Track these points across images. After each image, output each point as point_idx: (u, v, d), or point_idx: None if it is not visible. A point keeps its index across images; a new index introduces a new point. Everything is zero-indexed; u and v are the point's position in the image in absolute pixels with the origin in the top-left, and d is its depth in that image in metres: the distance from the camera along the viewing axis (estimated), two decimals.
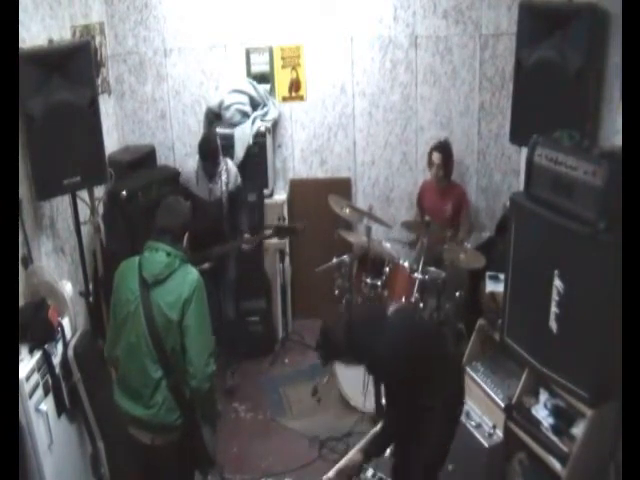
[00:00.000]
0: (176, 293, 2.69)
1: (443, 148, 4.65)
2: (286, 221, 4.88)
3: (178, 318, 2.67)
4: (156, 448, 2.78)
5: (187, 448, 2.87)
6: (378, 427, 3.07)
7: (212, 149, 4.25)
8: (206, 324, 2.78)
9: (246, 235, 4.35)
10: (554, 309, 2.86)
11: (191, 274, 2.77)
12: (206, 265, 4.12)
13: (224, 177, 4.34)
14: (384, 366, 2.72)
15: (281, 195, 5.12)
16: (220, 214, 4.37)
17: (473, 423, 3.42)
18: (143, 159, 4.75)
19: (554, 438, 3.05)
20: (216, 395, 2.93)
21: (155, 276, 2.70)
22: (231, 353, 4.58)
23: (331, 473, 2.93)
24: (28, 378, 2.79)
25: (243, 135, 4.75)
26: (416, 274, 4.09)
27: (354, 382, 4.20)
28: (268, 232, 4.48)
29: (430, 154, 4.67)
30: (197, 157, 4.32)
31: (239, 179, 4.48)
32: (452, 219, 4.67)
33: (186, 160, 4.81)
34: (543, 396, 3.23)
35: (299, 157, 5.24)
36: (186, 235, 2.89)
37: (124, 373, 2.83)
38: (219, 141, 4.40)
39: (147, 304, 2.69)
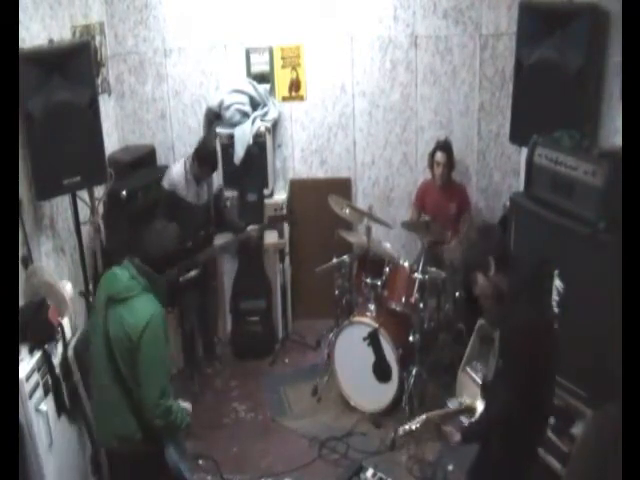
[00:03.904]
0: (130, 319, 2.59)
1: (446, 147, 4.64)
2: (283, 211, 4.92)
3: (127, 344, 2.59)
4: (122, 455, 2.77)
5: (153, 469, 2.80)
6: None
7: (214, 155, 4.30)
8: (159, 361, 2.65)
9: (250, 227, 4.42)
10: (554, 309, 2.85)
11: (150, 307, 2.63)
12: (192, 273, 4.12)
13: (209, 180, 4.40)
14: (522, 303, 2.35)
15: (281, 195, 5.10)
16: (208, 217, 4.40)
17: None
18: (143, 159, 4.75)
19: (554, 438, 3.05)
20: (180, 411, 2.76)
21: (113, 294, 2.64)
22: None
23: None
24: (28, 378, 2.79)
25: (243, 135, 4.75)
26: (416, 274, 4.09)
27: (354, 382, 4.20)
28: (264, 224, 4.60)
29: (433, 154, 4.66)
30: (184, 161, 4.27)
31: (220, 180, 4.62)
32: (455, 218, 4.66)
33: (171, 165, 4.56)
34: None
35: (299, 157, 5.23)
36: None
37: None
38: (218, 145, 4.43)
39: (105, 319, 2.66)
